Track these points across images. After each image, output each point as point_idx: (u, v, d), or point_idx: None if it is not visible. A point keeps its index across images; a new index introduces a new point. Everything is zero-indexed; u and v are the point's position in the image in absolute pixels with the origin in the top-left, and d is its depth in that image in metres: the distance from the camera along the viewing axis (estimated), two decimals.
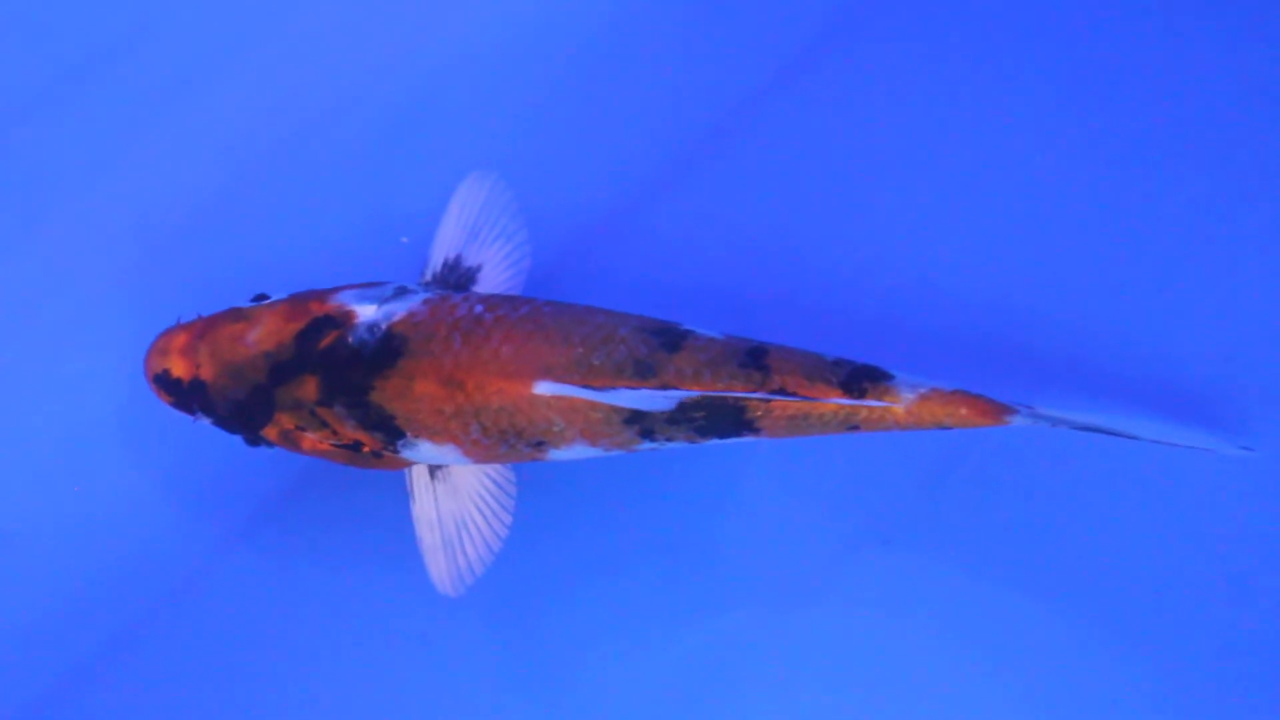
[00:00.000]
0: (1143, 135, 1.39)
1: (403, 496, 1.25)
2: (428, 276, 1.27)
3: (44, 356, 1.39)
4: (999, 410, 1.18)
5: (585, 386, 1.15)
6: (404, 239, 1.39)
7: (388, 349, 1.17)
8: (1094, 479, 1.33)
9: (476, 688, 1.33)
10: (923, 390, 1.18)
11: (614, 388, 1.16)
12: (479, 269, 1.28)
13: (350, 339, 1.18)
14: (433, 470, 1.24)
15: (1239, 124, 1.38)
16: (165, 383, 1.23)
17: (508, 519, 1.25)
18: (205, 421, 1.23)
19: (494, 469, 1.25)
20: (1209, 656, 1.31)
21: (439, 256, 1.28)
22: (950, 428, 1.19)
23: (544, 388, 1.16)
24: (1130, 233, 1.37)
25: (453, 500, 1.25)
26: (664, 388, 1.16)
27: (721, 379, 1.17)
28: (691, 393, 1.16)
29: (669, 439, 1.19)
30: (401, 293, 1.22)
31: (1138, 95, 1.40)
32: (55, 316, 1.40)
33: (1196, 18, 1.40)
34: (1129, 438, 1.19)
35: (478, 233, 1.28)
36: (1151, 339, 1.35)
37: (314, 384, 1.18)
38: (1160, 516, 1.32)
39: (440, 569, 1.24)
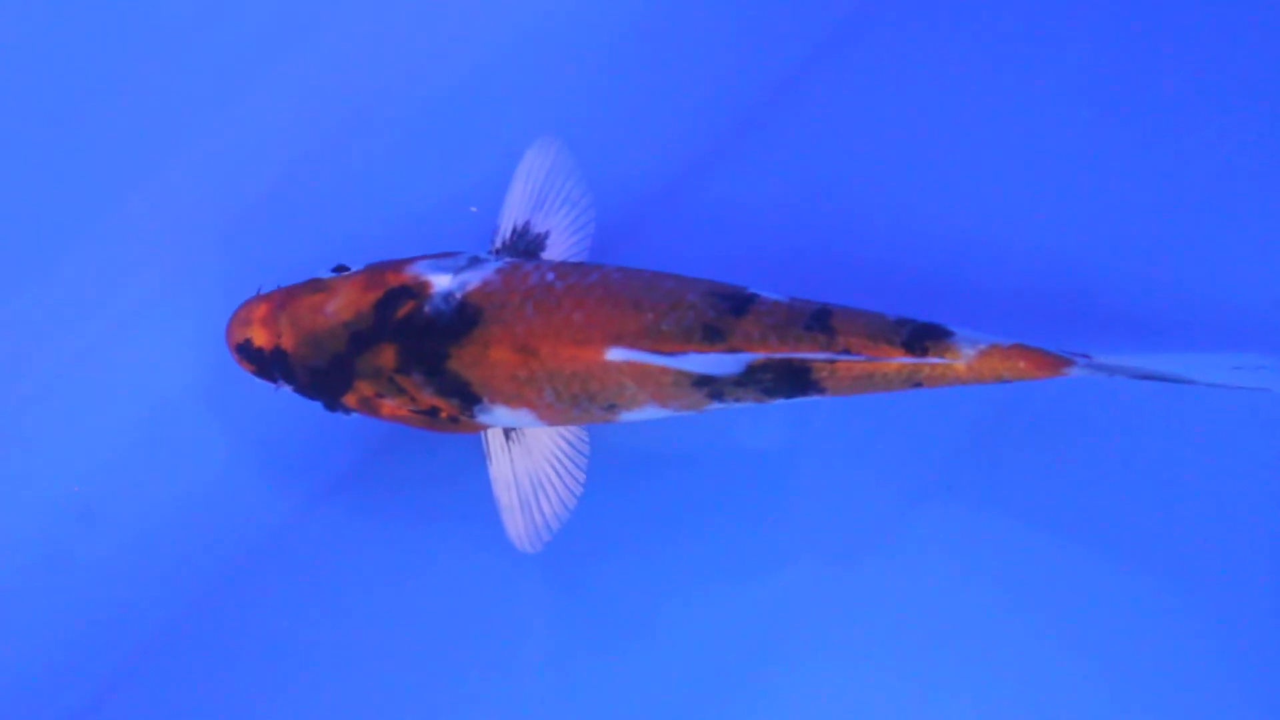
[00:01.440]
0: (1191, 83, 1.40)
1: (480, 459, 1.28)
2: (497, 244, 1.29)
3: (129, 329, 1.42)
4: (1057, 362, 1.20)
5: (656, 352, 1.18)
6: (473, 208, 1.41)
7: (463, 317, 1.20)
8: (1152, 426, 1.34)
9: (549, 641, 1.36)
10: (982, 346, 1.20)
11: (684, 352, 1.18)
12: (547, 235, 1.30)
13: (426, 308, 1.21)
14: (508, 432, 1.27)
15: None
16: (247, 352, 1.26)
17: (581, 477, 1.27)
18: (287, 389, 1.26)
19: (567, 430, 1.27)
20: (1272, 604, 1.32)
21: (508, 224, 1.30)
22: (1010, 381, 1.21)
23: (615, 354, 1.18)
24: (1178, 181, 1.38)
25: (528, 460, 1.27)
26: (732, 351, 1.18)
27: (788, 342, 1.19)
28: (759, 355, 1.18)
29: (737, 400, 1.22)
30: (475, 262, 1.24)
31: (1184, 40, 1.41)
32: (139, 289, 1.43)
33: None
34: (1186, 383, 1.20)
35: (544, 200, 1.30)
36: (1202, 286, 1.36)
37: (392, 352, 1.21)
38: (1218, 460, 1.33)
39: (518, 527, 1.27)
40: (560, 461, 1.28)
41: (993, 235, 1.38)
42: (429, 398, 1.22)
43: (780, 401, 1.23)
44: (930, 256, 1.39)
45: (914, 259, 1.39)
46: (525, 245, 1.30)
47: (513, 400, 1.21)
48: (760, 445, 1.38)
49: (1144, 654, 1.32)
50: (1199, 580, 1.32)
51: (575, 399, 1.21)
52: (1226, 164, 1.38)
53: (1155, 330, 1.35)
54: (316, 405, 1.28)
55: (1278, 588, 1.32)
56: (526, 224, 1.30)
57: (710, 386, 1.20)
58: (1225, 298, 1.36)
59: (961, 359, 1.20)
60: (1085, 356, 1.20)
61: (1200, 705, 1.31)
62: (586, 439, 1.29)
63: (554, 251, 1.30)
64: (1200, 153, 1.39)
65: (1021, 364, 1.20)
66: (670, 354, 1.18)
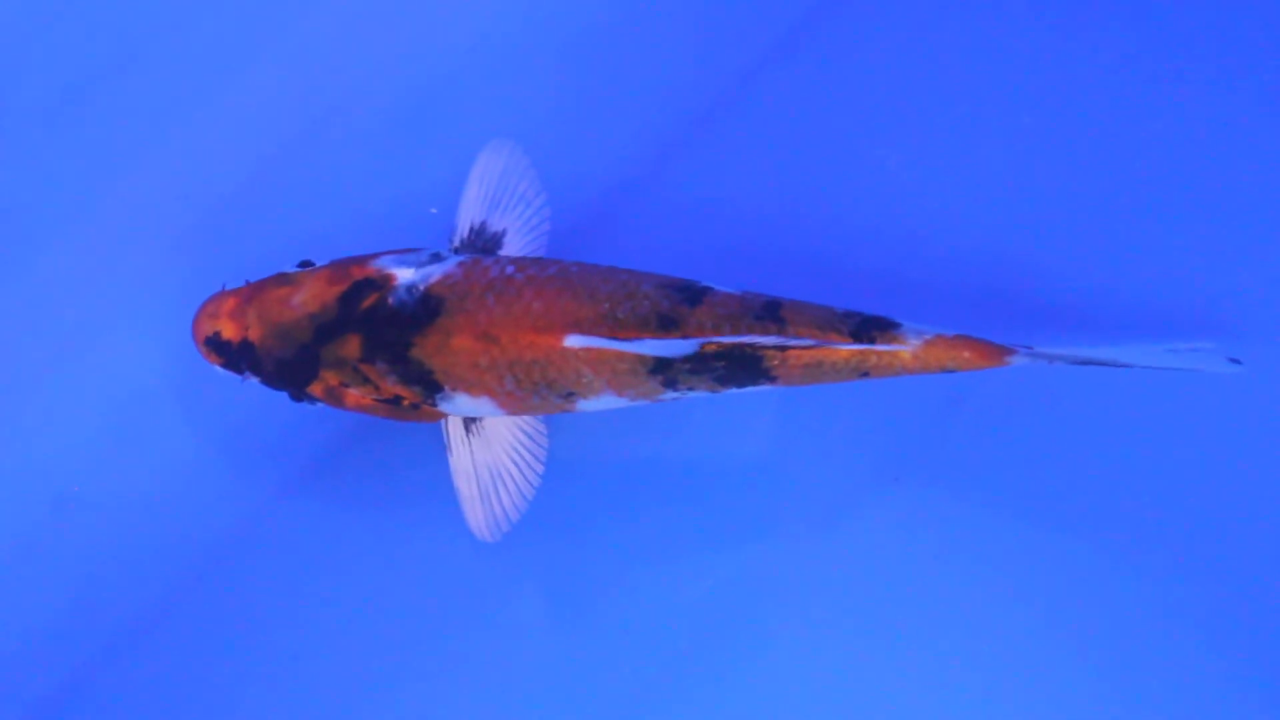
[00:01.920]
0: (1119, 79, 1.44)
1: (442, 449, 1.30)
2: (456, 243, 1.32)
3: (101, 326, 1.44)
4: (999, 352, 1.24)
5: (612, 338, 1.21)
6: (433, 209, 1.43)
7: (426, 308, 1.23)
8: (1091, 411, 1.37)
9: (514, 626, 1.38)
10: (928, 336, 1.24)
11: (639, 339, 1.21)
12: (503, 233, 1.33)
13: (390, 300, 1.23)
14: (468, 424, 1.29)
15: (1217, 60, 1.43)
16: (216, 344, 1.28)
17: (540, 468, 1.30)
18: (254, 381, 1.28)
19: (526, 421, 1.30)
20: (1211, 575, 1.35)
21: (465, 223, 1.32)
22: (954, 370, 1.24)
23: (573, 340, 1.21)
24: (1117, 179, 1.42)
25: (487, 452, 1.30)
26: (686, 339, 1.21)
27: (740, 330, 1.22)
28: (712, 339, 1.21)
29: (691, 388, 1.24)
30: (437, 258, 1.27)
31: (1122, 38, 1.45)
32: (110, 286, 1.45)
33: None
34: (1122, 366, 1.24)
35: (499, 199, 1.33)
36: (1136, 277, 1.39)
37: (356, 342, 1.24)
38: (1156, 439, 1.37)
39: (477, 517, 1.30)
40: (519, 453, 1.31)
41: (937, 235, 1.42)
42: (392, 386, 1.25)
43: (734, 391, 1.25)
44: (879, 255, 1.42)
45: (863, 257, 1.42)
46: (482, 243, 1.32)
47: (474, 388, 1.24)
48: (714, 435, 1.40)
49: (1085, 633, 1.35)
50: (1139, 559, 1.35)
51: (535, 386, 1.24)
52: (1164, 162, 1.42)
53: (1094, 322, 1.39)
54: (284, 397, 1.30)
55: (1213, 566, 1.35)
56: (483, 223, 1.33)
57: (665, 374, 1.23)
58: (1161, 292, 1.40)
59: (907, 348, 1.23)
60: (1026, 346, 1.24)
61: (1142, 683, 1.35)
62: (545, 431, 1.32)
63: (510, 249, 1.33)
64: (1139, 151, 1.43)
65: (965, 353, 1.24)
66: (625, 340, 1.21)
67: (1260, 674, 1.34)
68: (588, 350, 1.22)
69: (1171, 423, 1.38)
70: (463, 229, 1.33)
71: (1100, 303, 1.40)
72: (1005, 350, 1.24)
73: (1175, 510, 1.37)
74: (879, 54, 1.47)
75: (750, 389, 1.26)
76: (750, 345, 1.22)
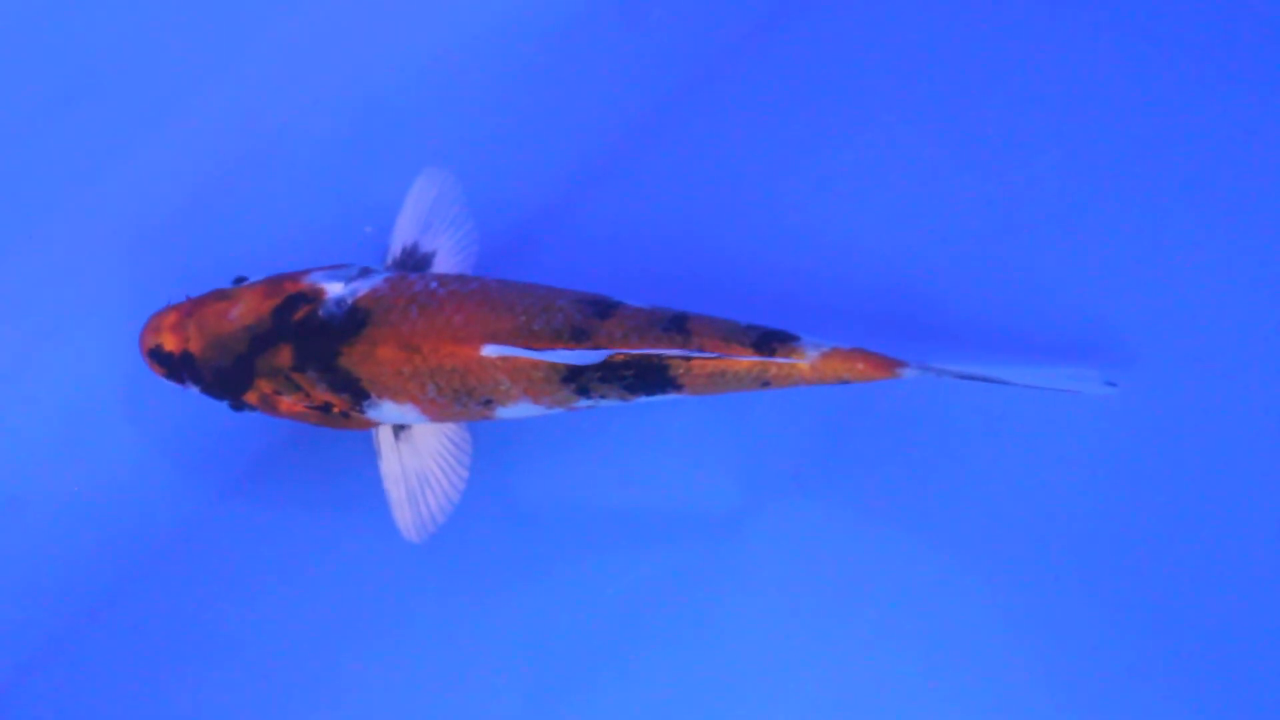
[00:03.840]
0: (1007, 106, 1.49)
1: (372, 455, 1.36)
2: (388, 262, 1.37)
3: (50, 336, 1.48)
4: (891, 364, 1.29)
5: (527, 348, 1.27)
6: (368, 228, 1.47)
7: (353, 320, 1.28)
8: (980, 428, 1.42)
9: (438, 622, 1.42)
10: (825, 349, 1.29)
11: (552, 348, 1.27)
12: (433, 254, 1.38)
13: (320, 312, 1.29)
14: (397, 431, 1.35)
15: (1102, 83, 1.49)
16: (158, 356, 1.33)
17: (465, 474, 1.35)
18: (194, 390, 1.33)
19: (451, 429, 1.36)
20: (1081, 582, 1.39)
21: (397, 244, 1.37)
22: (850, 382, 1.29)
23: (491, 350, 1.26)
24: (1012, 203, 1.47)
25: (415, 458, 1.35)
26: (597, 349, 1.26)
27: (648, 341, 1.27)
28: (621, 351, 1.26)
29: (603, 396, 1.30)
30: (365, 273, 1.32)
31: (1016, 75, 1.50)
32: (60, 301, 1.49)
33: None
34: (1003, 383, 1.29)
35: (431, 223, 1.38)
36: (1017, 304, 1.45)
37: (289, 352, 1.29)
38: (1035, 454, 1.41)
39: (406, 519, 1.35)
40: (445, 459, 1.36)
41: (833, 261, 1.46)
42: (323, 394, 1.30)
43: (643, 400, 1.31)
44: (779, 279, 1.46)
45: (768, 280, 1.46)
46: (414, 263, 1.38)
47: (398, 395, 1.30)
48: (628, 445, 1.45)
49: (975, 643, 1.40)
50: (1022, 572, 1.40)
51: (455, 394, 1.29)
52: (1063, 185, 1.47)
53: (978, 342, 1.44)
54: (222, 406, 1.34)
55: (1095, 582, 1.40)
56: (415, 244, 1.38)
57: (577, 382, 1.28)
58: (1048, 311, 1.45)
59: (806, 360, 1.28)
60: (917, 361, 1.29)
61: (1028, 702, 1.40)
62: (469, 438, 1.36)
63: (440, 269, 1.38)
64: (1035, 173, 1.48)
65: (860, 365, 1.29)
66: (539, 349, 1.26)
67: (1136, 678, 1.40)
68: (504, 359, 1.27)
69: (1051, 437, 1.42)
70: (395, 249, 1.38)
71: (990, 326, 1.45)
72: (896, 363, 1.29)
73: (1049, 519, 1.42)
74: (781, 91, 1.51)
75: (659, 397, 1.31)
76: (657, 356, 1.28)
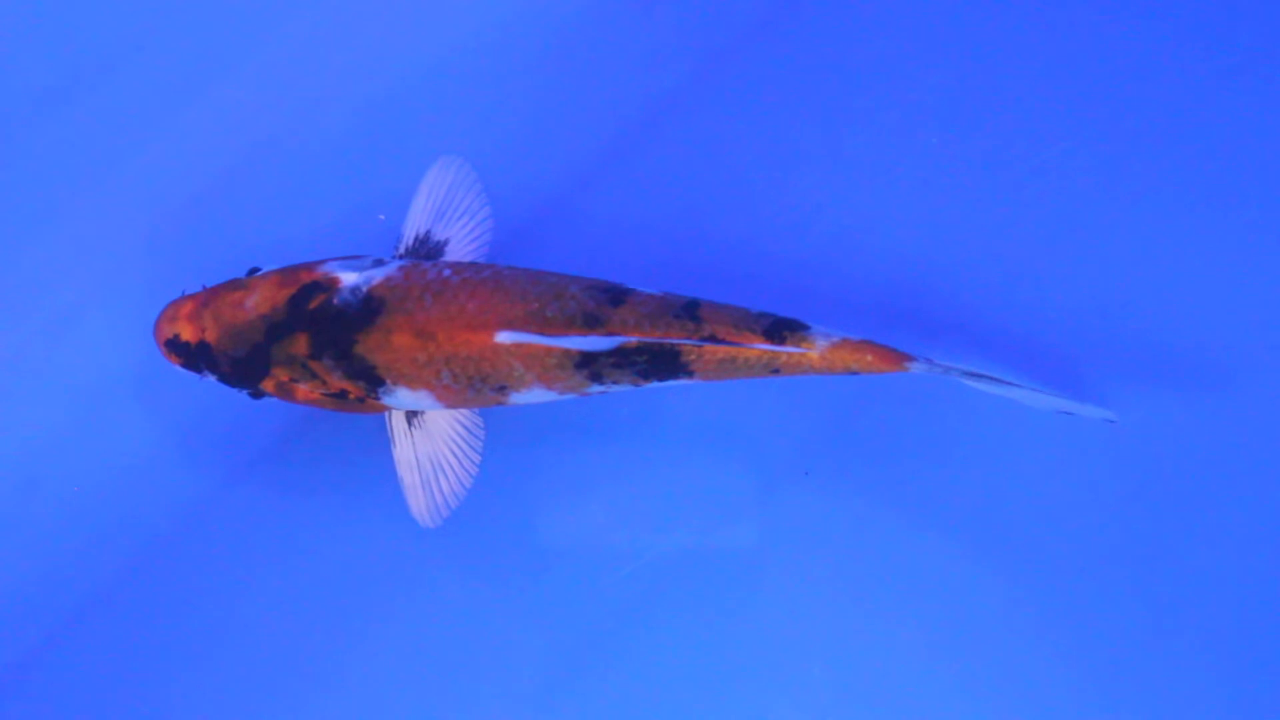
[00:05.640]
0: (1032, 109, 1.50)
1: (386, 439, 1.37)
2: (401, 250, 1.38)
3: (68, 324, 1.50)
4: (900, 358, 1.30)
5: (541, 334, 1.28)
6: (381, 217, 1.49)
7: (368, 308, 1.29)
8: (985, 416, 1.44)
9: (451, 606, 1.44)
10: (835, 339, 1.30)
11: (566, 335, 1.29)
12: (446, 242, 1.39)
13: (336, 300, 1.30)
14: (410, 418, 1.36)
15: (1124, 93, 1.50)
16: (175, 346, 1.34)
17: (477, 459, 1.37)
18: (211, 379, 1.35)
19: (463, 415, 1.37)
20: (1090, 572, 1.42)
21: (410, 232, 1.38)
22: (858, 372, 1.30)
23: (505, 336, 1.28)
24: (1022, 203, 1.48)
25: (428, 444, 1.36)
26: (609, 335, 1.28)
27: (660, 327, 1.29)
28: (634, 337, 1.28)
29: (615, 382, 1.31)
30: (379, 263, 1.33)
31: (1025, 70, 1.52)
32: (77, 290, 1.51)
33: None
34: (1008, 384, 1.30)
35: (444, 211, 1.39)
36: (1030, 312, 1.46)
37: (305, 340, 1.30)
38: (1044, 444, 1.43)
39: (419, 504, 1.36)
40: (457, 444, 1.37)
41: (847, 253, 1.48)
42: (338, 381, 1.31)
43: (655, 385, 1.32)
44: (794, 268, 1.48)
45: (779, 270, 1.48)
46: (426, 251, 1.38)
47: (413, 382, 1.31)
48: (638, 433, 1.46)
49: (984, 630, 1.42)
50: (1031, 560, 1.43)
51: (469, 380, 1.30)
52: (1079, 180, 1.48)
53: (995, 337, 1.46)
54: (235, 393, 1.35)
55: (1103, 570, 1.42)
56: (428, 233, 1.39)
57: (590, 368, 1.29)
58: (1060, 307, 1.46)
59: (815, 349, 1.30)
60: (925, 357, 1.30)
61: (1028, 686, 1.42)
62: (482, 424, 1.38)
63: (453, 257, 1.39)
64: (1052, 169, 1.48)
65: (868, 357, 1.30)
66: (553, 335, 1.28)
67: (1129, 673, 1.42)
68: (518, 345, 1.28)
69: (1061, 428, 1.43)
70: (408, 237, 1.39)
71: (1001, 322, 1.46)
72: (905, 357, 1.30)
73: (1058, 508, 1.44)
74: (795, 80, 1.53)
75: (671, 383, 1.32)
76: (670, 343, 1.29)
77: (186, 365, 1.36)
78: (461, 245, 1.41)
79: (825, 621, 1.43)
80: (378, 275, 1.32)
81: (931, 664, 1.42)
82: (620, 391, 1.34)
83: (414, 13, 1.56)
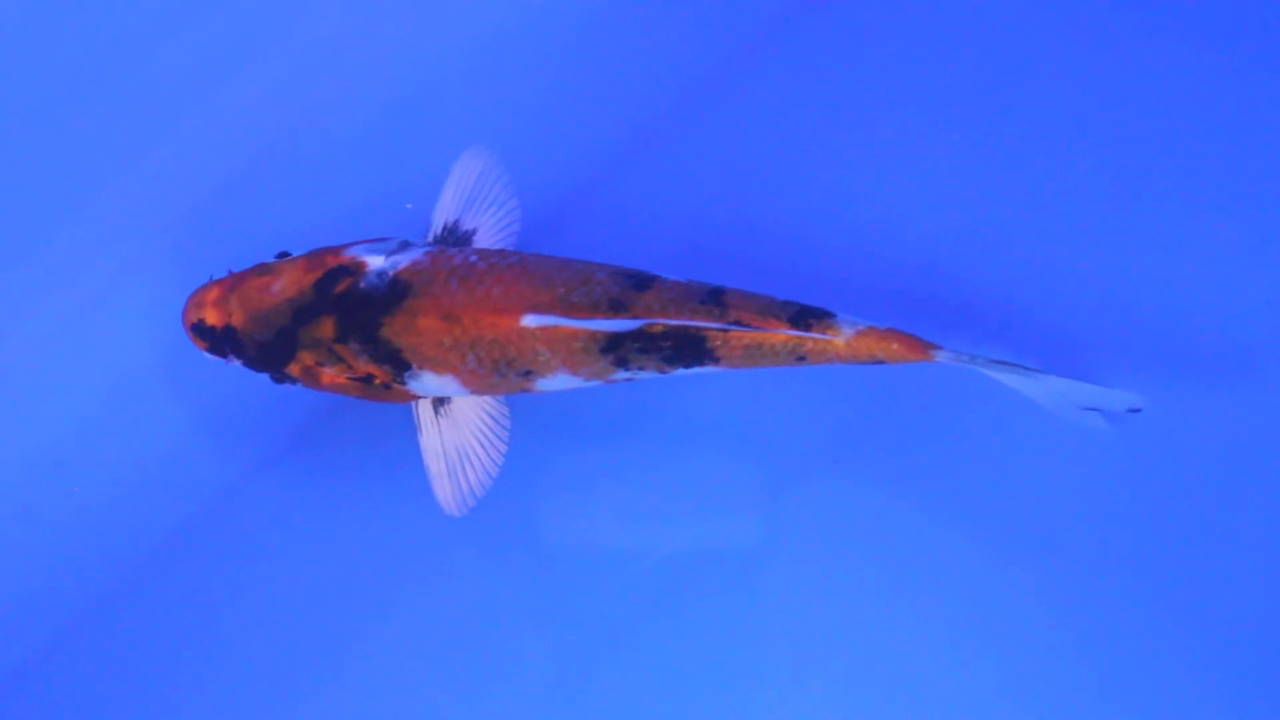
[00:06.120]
0: (1061, 102, 1.50)
1: (410, 428, 1.38)
2: (429, 238, 1.38)
3: (96, 309, 1.51)
4: (925, 347, 1.30)
5: (566, 317, 1.28)
6: (409, 205, 1.49)
7: (394, 291, 1.30)
8: (1010, 407, 1.41)
9: (476, 594, 1.44)
10: (861, 327, 1.30)
11: (591, 319, 1.28)
12: (474, 232, 1.40)
13: (362, 284, 1.30)
14: (436, 406, 1.36)
15: (1144, 85, 1.50)
16: (201, 330, 1.35)
17: (503, 448, 1.37)
18: (236, 364, 1.35)
19: (490, 403, 1.37)
20: (1115, 566, 1.41)
21: (439, 221, 1.39)
22: (884, 361, 1.30)
23: (531, 320, 1.28)
24: (1049, 197, 1.48)
25: (454, 432, 1.37)
26: (635, 320, 1.28)
27: (685, 313, 1.29)
28: (658, 321, 1.27)
29: (641, 368, 1.31)
30: (405, 246, 1.34)
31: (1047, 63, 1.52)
32: (104, 275, 1.51)
33: None
34: (1033, 371, 1.30)
35: (473, 201, 1.40)
36: (1054, 303, 1.45)
37: (331, 324, 1.31)
38: (1070, 436, 1.41)
39: (445, 493, 1.37)
40: (484, 433, 1.37)
41: (872, 243, 1.48)
42: (364, 365, 1.32)
43: (680, 372, 1.32)
44: (820, 256, 1.48)
45: (805, 257, 1.48)
46: (454, 240, 1.39)
47: (439, 366, 1.31)
48: (663, 421, 1.46)
49: (1007, 623, 1.41)
50: (1055, 553, 1.42)
51: (495, 365, 1.31)
52: (1106, 172, 1.48)
53: (1020, 328, 1.46)
54: (263, 378, 1.36)
55: (1125, 568, 1.41)
56: (456, 222, 1.40)
57: (616, 354, 1.29)
58: (1085, 299, 1.46)
59: (841, 337, 1.29)
60: (951, 346, 1.30)
61: (1053, 684, 1.41)
62: (508, 413, 1.38)
63: (480, 246, 1.39)
64: (1077, 159, 1.49)
65: (894, 345, 1.30)
66: (578, 318, 1.28)
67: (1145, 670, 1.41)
68: (544, 329, 1.28)
69: (1073, 427, 1.41)
70: (436, 226, 1.39)
71: (1026, 314, 1.46)
72: (931, 346, 1.30)
73: (1083, 500, 1.43)
74: (825, 70, 1.53)
75: (696, 370, 1.32)
76: (694, 327, 1.29)
77: (212, 350, 1.36)
78: (489, 234, 1.42)
79: (838, 618, 1.42)
80: (404, 260, 1.32)
81: (952, 660, 1.41)
82: (646, 379, 1.34)
83: (445, 4, 1.57)
